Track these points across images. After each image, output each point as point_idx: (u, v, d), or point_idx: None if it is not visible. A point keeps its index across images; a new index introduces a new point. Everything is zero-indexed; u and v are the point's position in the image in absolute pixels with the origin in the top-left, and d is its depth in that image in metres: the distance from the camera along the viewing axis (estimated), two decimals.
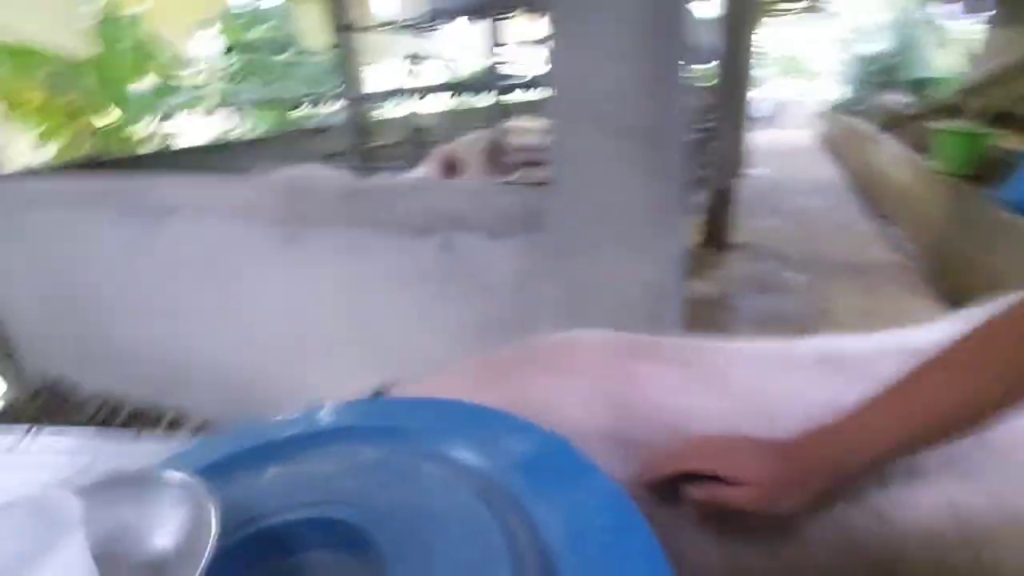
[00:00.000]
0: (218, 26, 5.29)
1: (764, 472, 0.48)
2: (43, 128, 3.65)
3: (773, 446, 0.49)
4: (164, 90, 4.36)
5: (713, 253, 3.26)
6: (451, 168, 1.54)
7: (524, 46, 2.14)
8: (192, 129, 5.17)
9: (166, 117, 2.94)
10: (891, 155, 3.79)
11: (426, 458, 0.47)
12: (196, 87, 5.46)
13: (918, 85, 4.94)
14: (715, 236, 3.29)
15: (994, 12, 4.12)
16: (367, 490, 0.44)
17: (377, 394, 0.63)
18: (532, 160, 1.77)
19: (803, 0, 6.39)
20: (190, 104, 4.43)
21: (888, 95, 5.29)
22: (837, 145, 6.49)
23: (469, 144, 1.65)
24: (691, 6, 0.93)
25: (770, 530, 0.52)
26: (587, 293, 0.98)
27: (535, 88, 2.28)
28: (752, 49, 3.08)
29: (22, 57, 3.58)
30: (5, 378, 2.29)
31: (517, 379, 0.62)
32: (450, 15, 2.36)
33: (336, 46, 3.36)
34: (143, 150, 3.59)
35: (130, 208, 1.53)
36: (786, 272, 3.01)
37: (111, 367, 1.94)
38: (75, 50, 3.20)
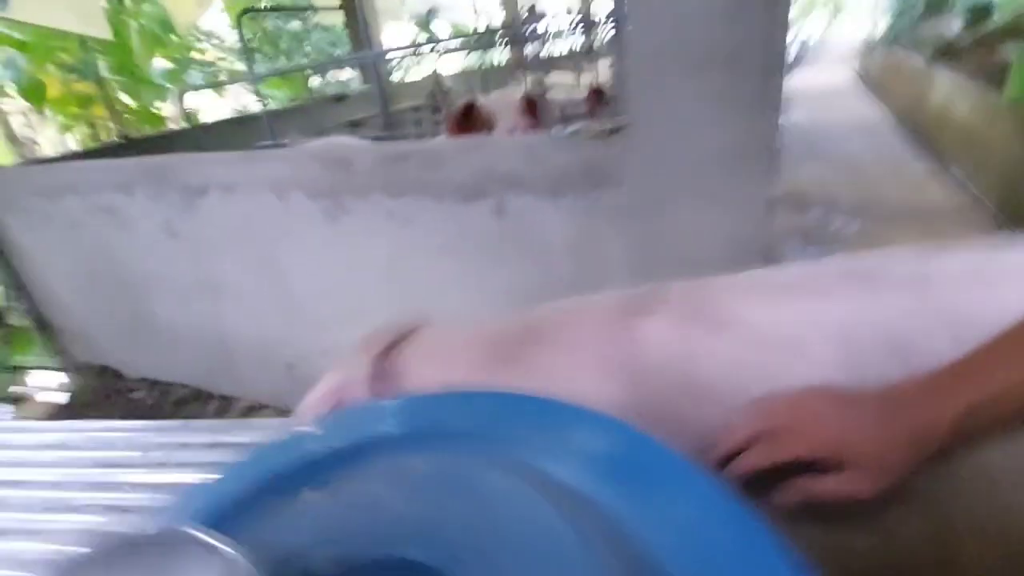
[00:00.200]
0: None
1: (873, 444, 0.37)
2: (65, 116, 3.64)
3: (866, 403, 0.39)
4: (181, 68, 4.30)
5: None
6: (481, 124, 1.43)
7: None
8: (213, 105, 5.11)
9: (186, 95, 2.88)
10: (949, 88, 3.50)
11: (494, 469, 0.39)
12: (211, 64, 5.38)
13: (976, 9, 4.54)
14: None
15: None
16: (429, 516, 0.37)
17: (390, 346, 0.59)
18: (571, 114, 1.66)
19: None
20: (208, 80, 4.37)
21: (939, 22, 4.88)
22: (879, 82, 6.09)
23: (500, 99, 1.54)
24: None
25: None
26: (660, 252, 0.89)
27: (566, 38, 2.13)
28: None
29: (38, 48, 3.54)
30: (56, 367, 2.33)
31: (526, 356, 0.56)
32: None
33: (345, 7, 3.20)
34: (167, 129, 3.56)
35: (163, 189, 1.48)
36: (835, 221, 2.84)
37: (156, 351, 1.94)
38: (90, 34, 3.16)
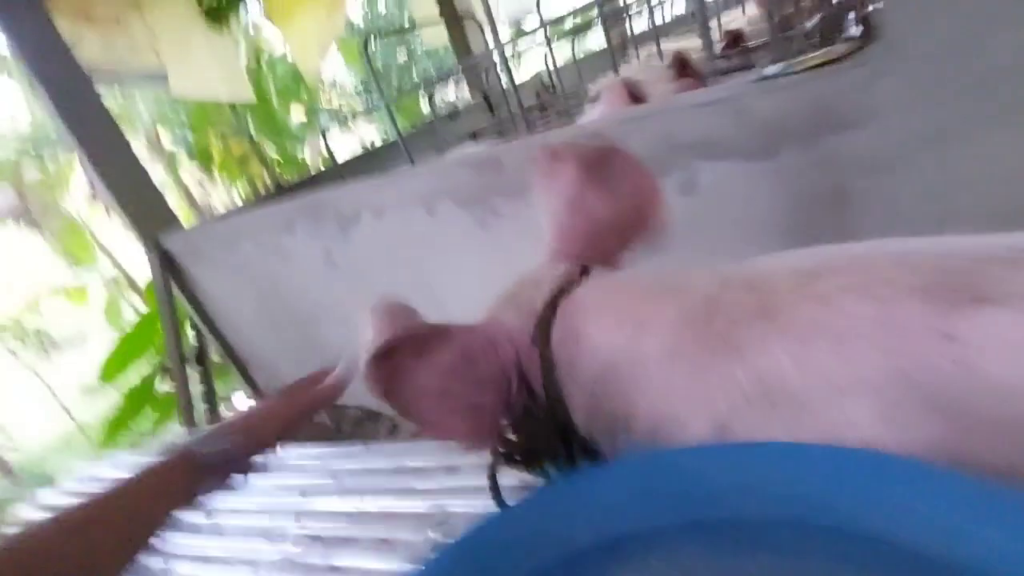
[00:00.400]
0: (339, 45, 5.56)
1: None
2: (228, 175, 4.14)
3: None
4: (313, 115, 4.70)
5: None
6: (636, 100, 1.29)
7: None
8: (343, 145, 5.55)
9: (323, 137, 3.11)
10: None
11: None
12: (337, 109, 5.84)
13: None
14: None
15: None
16: None
17: (556, 298, 0.48)
18: (721, 68, 1.44)
19: None
20: (338, 121, 4.74)
21: None
22: None
23: (645, 68, 1.37)
24: None
25: None
26: (926, 217, 0.67)
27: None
28: None
29: (198, 120, 4.06)
30: (249, 396, 2.61)
31: (753, 345, 0.40)
32: None
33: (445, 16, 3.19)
34: (309, 173, 3.90)
35: (320, 222, 1.54)
36: None
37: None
38: (239, 100, 3.54)
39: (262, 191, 3.55)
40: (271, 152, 4.26)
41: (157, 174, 5.14)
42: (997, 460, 0.32)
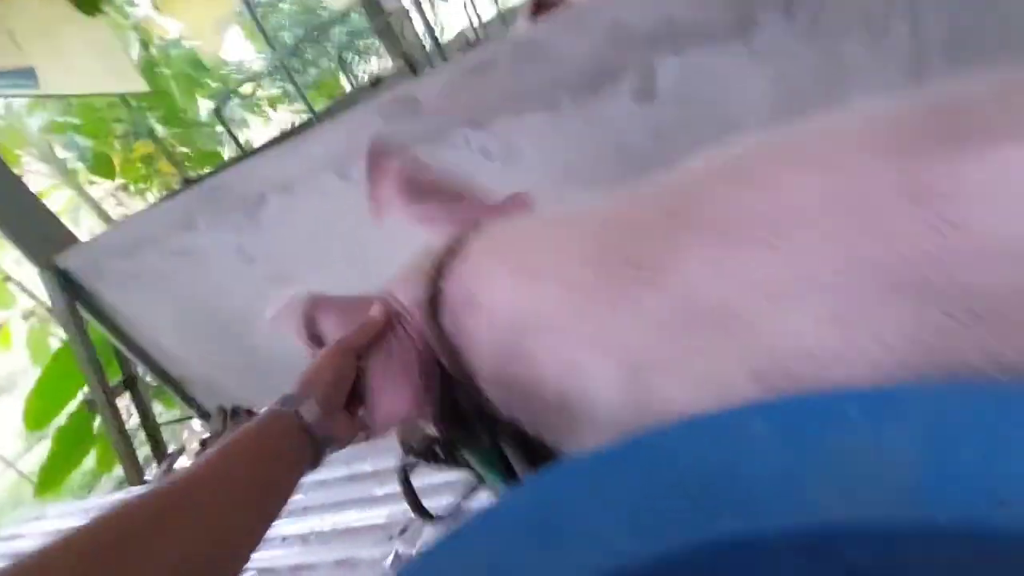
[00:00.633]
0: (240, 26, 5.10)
1: None
2: (134, 179, 3.75)
3: None
4: (221, 104, 4.31)
5: None
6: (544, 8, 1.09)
7: None
8: (263, 129, 5.15)
9: (219, 120, 2.79)
10: None
11: None
12: (249, 95, 5.39)
13: None
14: None
15: None
16: None
17: (443, 261, 0.45)
18: None
19: None
20: (249, 107, 4.36)
21: None
22: None
23: None
24: None
25: None
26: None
27: None
28: None
29: (91, 123, 3.63)
30: (193, 416, 2.38)
31: (672, 256, 0.34)
32: None
33: None
34: (222, 162, 3.57)
35: (222, 211, 1.32)
36: None
37: (272, 382, 1.86)
38: (128, 90, 3.16)
39: (172, 189, 3.23)
40: (182, 148, 3.88)
41: (62, 193, 4.64)
42: (999, 348, 0.25)
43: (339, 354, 0.46)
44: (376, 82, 3.56)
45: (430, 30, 1.85)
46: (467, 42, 2.67)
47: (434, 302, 0.44)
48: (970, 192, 0.26)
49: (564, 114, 0.74)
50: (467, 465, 0.47)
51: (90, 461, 3.01)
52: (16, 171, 2.26)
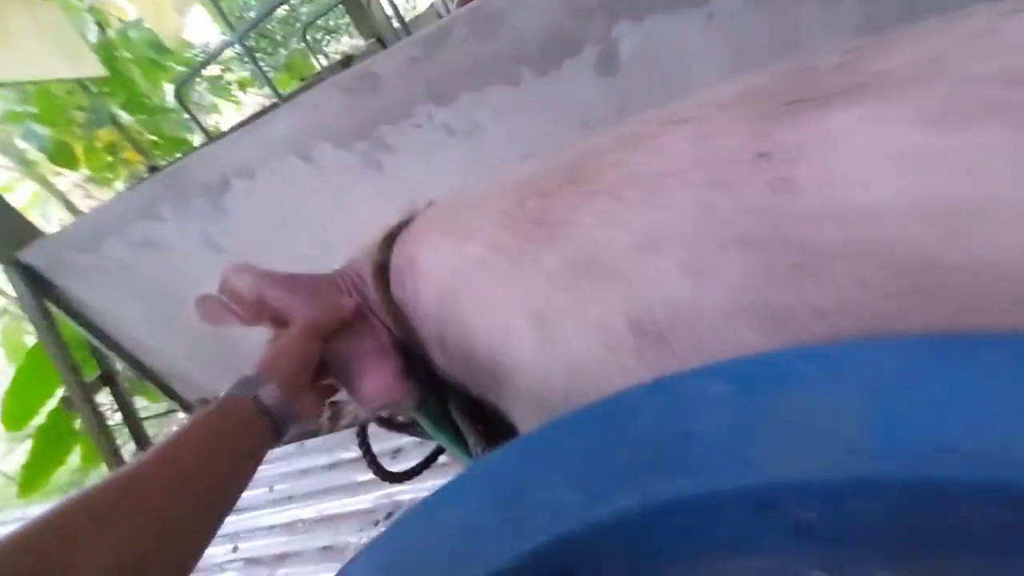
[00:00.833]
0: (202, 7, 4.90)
1: None
2: (98, 169, 3.63)
3: None
4: (187, 88, 4.16)
5: None
6: None
7: None
8: (234, 114, 5.00)
9: (180, 104, 2.69)
10: None
11: None
12: (217, 77, 5.22)
13: None
14: None
15: None
16: None
17: (393, 234, 0.46)
18: None
19: None
20: (218, 91, 4.22)
21: None
22: None
23: None
24: None
25: None
26: None
27: None
28: None
29: (49, 111, 3.49)
30: (185, 413, 2.35)
31: (567, 212, 0.36)
32: None
33: None
34: (190, 148, 3.46)
35: (185, 199, 1.28)
36: None
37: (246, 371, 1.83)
38: (84, 75, 3.03)
39: (139, 175, 3.13)
40: (148, 135, 3.74)
41: (27, 187, 4.47)
42: (824, 302, 0.27)
43: (306, 336, 0.45)
44: (347, 61, 3.45)
45: (393, 6, 1.80)
46: (438, 16, 2.61)
47: (384, 272, 0.46)
48: (803, 154, 0.27)
49: (526, 88, 0.72)
50: (421, 430, 0.48)
51: (76, 458, 2.96)
52: None
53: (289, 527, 1.10)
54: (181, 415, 2.54)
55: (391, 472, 0.54)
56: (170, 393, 2.23)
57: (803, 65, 0.31)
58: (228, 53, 6.10)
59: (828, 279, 0.27)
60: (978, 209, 0.23)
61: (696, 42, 0.60)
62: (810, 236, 0.27)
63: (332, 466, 1.18)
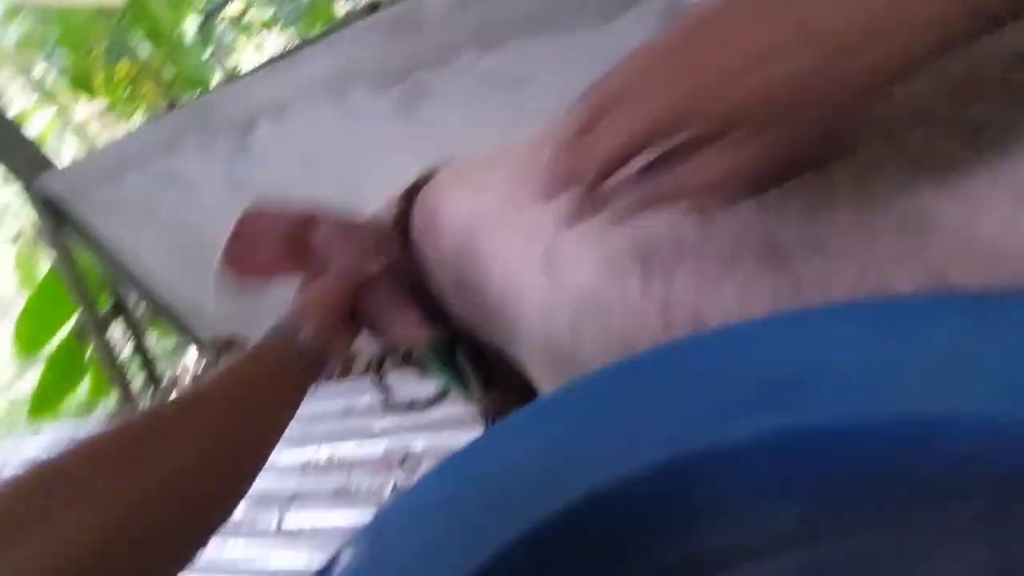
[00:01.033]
0: None
1: (734, 90, 0.22)
2: (116, 99, 3.57)
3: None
4: (212, 11, 4.06)
5: None
6: None
7: None
8: (254, 55, 4.89)
9: (226, 51, 2.61)
10: None
11: None
12: (238, 14, 5.09)
13: None
14: None
15: None
16: None
17: (416, 187, 0.47)
18: None
19: None
20: (240, 30, 4.11)
21: None
22: None
23: None
24: None
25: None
26: None
27: None
28: None
29: (72, 36, 3.42)
30: (197, 349, 2.37)
31: None
32: None
33: None
34: (211, 88, 3.40)
35: (210, 135, 1.26)
36: None
37: (267, 314, 1.84)
38: (110, 5, 2.96)
39: (157, 111, 3.08)
40: (169, 69, 3.67)
41: (44, 114, 4.43)
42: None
43: (343, 284, 0.45)
44: (373, 7, 3.35)
45: None
46: None
47: (405, 223, 0.47)
48: None
49: (583, 38, 0.67)
50: (429, 368, 0.50)
51: (85, 388, 3.01)
52: None
53: (301, 469, 1.11)
54: (193, 351, 2.58)
55: (403, 403, 0.56)
56: (182, 328, 2.25)
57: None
58: None
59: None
60: None
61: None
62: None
63: (346, 412, 1.18)
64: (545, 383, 0.43)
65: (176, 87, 3.64)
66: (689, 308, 0.31)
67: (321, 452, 1.07)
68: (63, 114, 4.17)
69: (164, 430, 0.32)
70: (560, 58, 0.70)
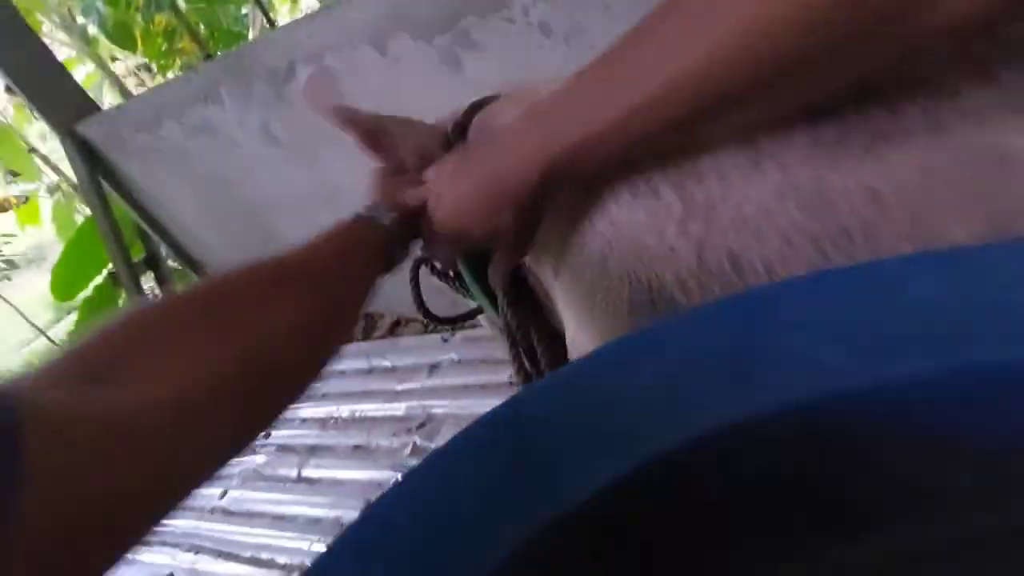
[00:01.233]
0: None
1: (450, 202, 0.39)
2: (153, 54, 3.58)
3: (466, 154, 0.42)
4: None
5: None
6: None
7: None
8: (288, 16, 4.85)
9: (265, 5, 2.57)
10: None
11: None
12: None
13: None
14: None
15: None
16: None
17: (478, 104, 0.48)
18: None
19: None
20: None
21: None
22: None
23: None
24: None
25: None
26: None
27: None
28: None
29: None
30: None
31: None
32: None
33: None
34: (248, 42, 3.38)
35: (247, 83, 1.23)
36: None
37: None
38: None
39: (194, 63, 3.08)
40: (203, 26, 3.66)
41: (85, 67, 4.48)
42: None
43: (415, 183, 0.46)
44: None
45: None
46: None
47: (463, 135, 0.48)
48: None
49: None
50: (461, 283, 0.51)
51: None
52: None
53: (322, 422, 1.12)
54: None
55: (437, 316, 0.56)
56: None
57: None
58: None
59: None
60: None
61: None
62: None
63: (369, 371, 1.18)
64: (569, 307, 0.42)
65: (214, 42, 3.64)
66: (724, 252, 0.31)
67: (343, 409, 1.07)
68: (102, 67, 4.21)
69: (287, 279, 0.34)
70: (618, 7, 0.66)
